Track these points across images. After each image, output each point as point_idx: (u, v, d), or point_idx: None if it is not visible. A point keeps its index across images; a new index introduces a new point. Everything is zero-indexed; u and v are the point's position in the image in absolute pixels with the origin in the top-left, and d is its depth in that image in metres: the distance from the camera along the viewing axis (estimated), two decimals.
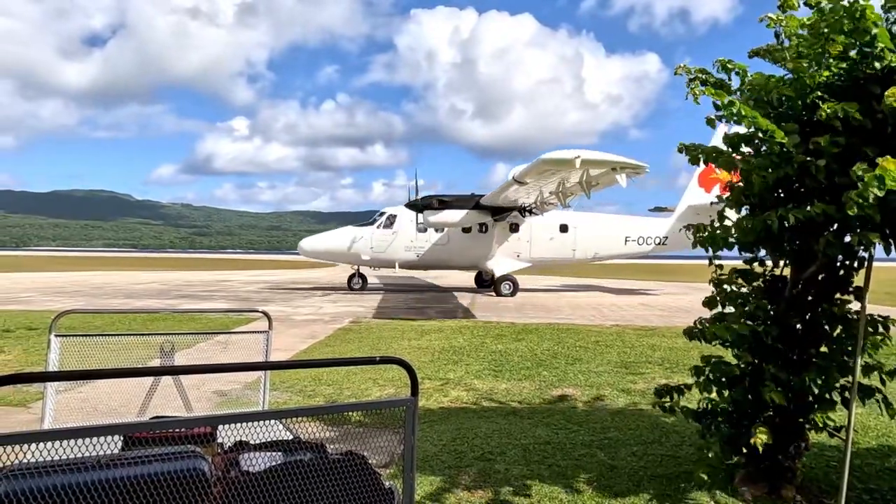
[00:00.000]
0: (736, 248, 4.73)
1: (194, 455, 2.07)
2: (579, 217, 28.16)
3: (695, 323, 5.00)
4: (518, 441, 6.00)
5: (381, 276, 35.73)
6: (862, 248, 4.10)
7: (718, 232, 4.72)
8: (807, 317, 4.76)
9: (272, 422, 2.12)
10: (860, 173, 3.59)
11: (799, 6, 4.44)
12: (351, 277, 27.55)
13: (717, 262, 5.01)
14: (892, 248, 4.04)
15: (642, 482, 4.96)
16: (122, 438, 2.43)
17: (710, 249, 4.83)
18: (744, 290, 5.03)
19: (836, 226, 4.26)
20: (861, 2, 3.97)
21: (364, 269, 27.96)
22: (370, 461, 2.29)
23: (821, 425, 4.72)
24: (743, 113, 4.11)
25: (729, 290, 5.04)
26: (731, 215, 4.86)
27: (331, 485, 2.14)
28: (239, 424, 2.01)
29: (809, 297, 4.74)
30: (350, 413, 2.42)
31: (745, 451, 4.74)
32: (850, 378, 4.50)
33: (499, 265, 26.08)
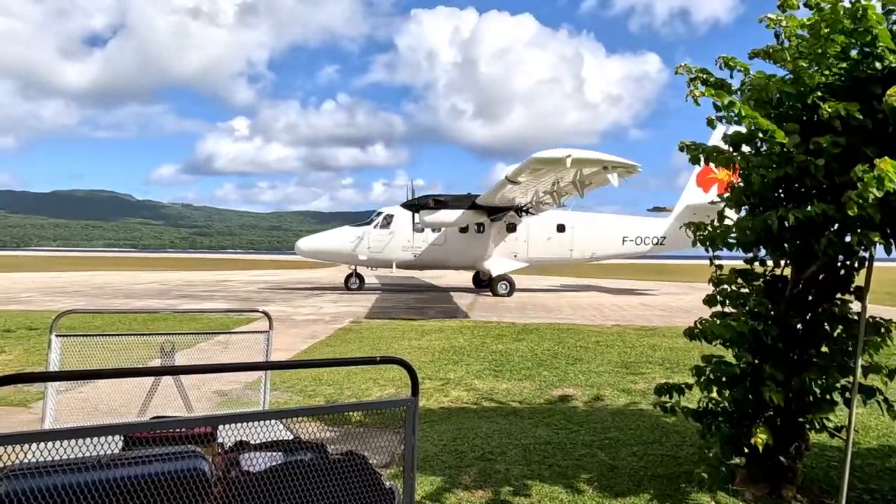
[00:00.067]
0: (736, 247, 4.74)
1: (195, 455, 2.07)
2: (577, 217, 28.14)
3: (695, 323, 5.00)
4: (518, 441, 6.00)
5: (379, 277, 35.74)
6: (862, 247, 4.10)
7: (719, 231, 4.72)
8: (807, 317, 4.75)
9: (273, 422, 2.12)
10: (860, 174, 3.59)
11: (799, 6, 4.44)
12: (348, 277, 27.53)
13: (717, 261, 5.01)
14: (893, 247, 4.04)
15: (643, 482, 4.96)
16: (122, 438, 2.44)
17: (710, 249, 4.83)
18: (744, 290, 5.03)
19: (836, 225, 4.26)
20: (863, 2, 3.97)
21: (363, 270, 27.96)
22: (371, 461, 2.29)
23: (820, 426, 4.72)
24: (743, 114, 4.11)
25: (729, 289, 5.04)
26: (731, 215, 4.86)
27: (331, 485, 2.14)
28: (239, 424, 2.01)
29: (810, 297, 4.74)
30: (350, 413, 2.42)
31: (745, 451, 4.74)
32: (850, 378, 4.50)
33: (496, 265, 26.06)
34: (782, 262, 4.89)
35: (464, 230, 26.16)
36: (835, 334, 4.76)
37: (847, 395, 4.67)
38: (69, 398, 4.77)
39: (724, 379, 4.87)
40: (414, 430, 2.22)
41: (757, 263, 4.99)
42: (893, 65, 3.98)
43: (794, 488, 4.73)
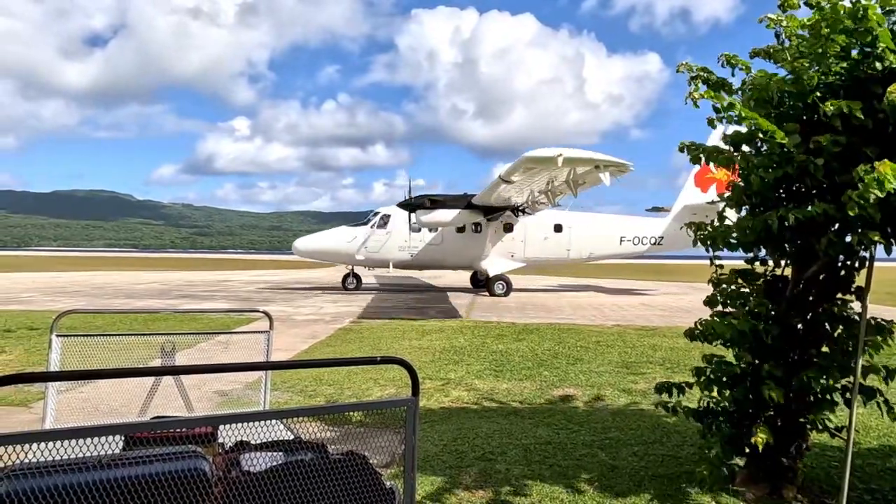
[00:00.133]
0: (737, 247, 4.73)
1: (195, 455, 2.07)
2: (574, 217, 28.13)
3: (695, 324, 4.99)
4: (519, 441, 6.00)
5: (378, 277, 35.74)
6: (862, 247, 4.10)
7: (719, 231, 4.72)
8: (808, 317, 4.75)
9: (273, 422, 2.12)
10: (862, 174, 3.59)
11: (799, 6, 4.44)
12: (345, 277, 27.51)
13: (717, 261, 5.01)
14: (893, 247, 4.04)
15: (643, 482, 4.96)
16: (123, 438, 2.44)
17: (710, 249, 4.83)
18: (744, 290, 5.03)
19: (836, 225, 4.26)
20: (863, 1, 3.97)
21: (360, 270, 27.94)
22: (371, 461, 2.29)
23: (822, 426, 4.72)
24: (743, 115, 4.12)
25: (729, 289, 5.03)
26: (731, 215, 4.85)
27: (332, 485, 2.14)
28: (240, 424, 2.02)
29: (810, 297, 4.74)
30: (351, 413, 2.42)
31: (746, 451, 4.74)
32: (850, 378, 4.50)
33: (493, 265, 26.04)
34: (783, 262, 4.89)
35: (461, 230, 26.14)
36: (835, 334, 4.76)
37: (847, 395, 4.67)
38: (70, 398, 4.77)
39: (724, 379, 4.87)
40: (414, 430, 2.22)
41: (757, 263, 4.99)
42: (894, 65, 3.97)
43: (794, 488, 4.73)
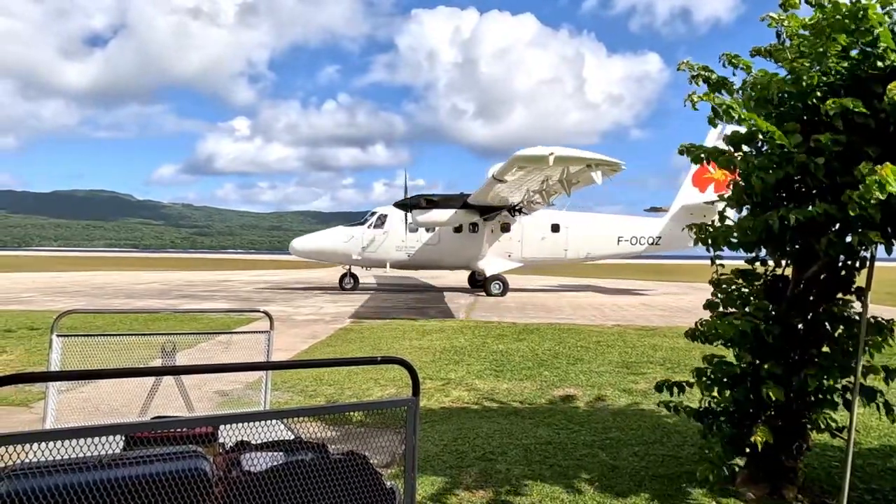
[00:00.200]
0: (738, 248, 4.73)
1: (196, 455, 2.07)
2: (571, 217, 28.11)
3: (696, 324, 4.99)
4: (519, 441, 5.99)
5: (377, 277, 35.74)
6: (863, 247, 4.10)
7: (720, 231, 4.72)
8: (808, 317, 4.75)
9: (273, 422, 2.12)
10: (865, 172, 3.59)
11: (800, 5, 4.44)
12: (342, 277, 27.49)
13: (718, 262, 5.00)
14: (894, 247, 4.04)
15: (644, 482, 4.96)
16: (123, 438, 2.43)
17: (711, 249, 4.83)
18: (745, 290, 5.02)
19: (837, 225, 4.25)
20: (863, 1, 3.97)
21: (359, 270, 27.92)
22: (371, 461, 2.29)
23: (823, 426, 4.72)
24: (742, 116, 4.12)
25: (730, 289, 5.03)
26: (732, 215, 4.85)
27: (332, 485, 2.14)
28: (240, 424, 2.01)
29: (811, 297, 4.74)
30: (351, 413, 2.42)
31: (747, 451, 4.73)
32: (851, 378, 4.50)
33: (490, 265, 26.01)
34: (783, 262, 4.89)
35: (458, 230, 26.12)
36: (836, 334, 4.76)
37: (847, 395, 4.67)
38: (70, 398, 4.76)
39: (725, 379, 4.87)
40: (415, 430, 2.22)
41: (758, 263, 4.99)
42: (895, 64, 3.97)
43: (795, 488, 4.72)
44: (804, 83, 4.15)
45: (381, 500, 2.27)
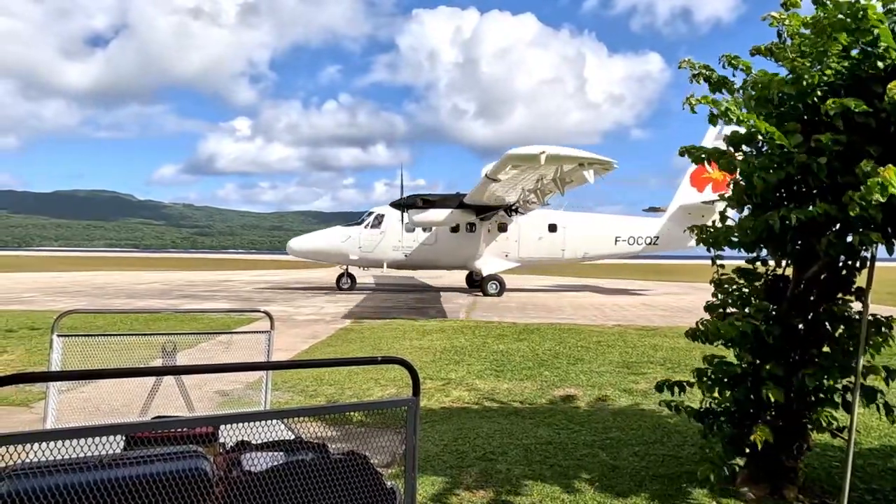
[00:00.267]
0: (738, 247, 4.73)
1: (196, 455, 2.07)
2: (569, 217, 28.07)
3: (697, 324, 4.99)
4: (520, 441, 5.99)
5: (376, 277, 35.74)
6: (863, 247, 4.09)
7: (721, 231, 4.72)
8: (809, 317, 4.75)
9: (274, 422, 2.12)
10: (867, 170, 3.58)
11: (801, 4, 4.44)
12: (339, 277, 27.46)
13: (719, 261, 5.00)
14: (894, 247, 4.04)
15: (644, 482, 4.96)
16: (124, 438, 2.44)
17: (712, 249, 4.83)
18: (745, 290, 5.02)
19: (838, 226, 4.25)
20: (863, 1, 3.97)
21: (358, 270, 27.90)
22: (372, 461, 2.29)
23: (824, 425, 4.71)
24: (741, 118, 4.11)
25: (731, 289, 5.03)
26: (732, 215, 4.85)
27: (332, 485, 2.14)
28: (241, 424, 2.02)
29: (811, 297, 4.74)
30: (352, 413, 2.42)
31: (747, 451, 4.73)
32: (851, 378, 4.49)
33: (487, 265, 25.96)
34: (784, 262, 4.89)
35: (454, 230, 26.08)
36: (836, 334, 4.75)
37: (848, 396, 4.67)
38: (71, 398, 4.77)
39: (725, 379, 4.87)
40: (415, 430, 2.22)
41: (759, 263, 4.99)
42: None
43: (795, 488, 4.72)
44: (804, 83, 4.15)
45: (382, 500, 2.27)
